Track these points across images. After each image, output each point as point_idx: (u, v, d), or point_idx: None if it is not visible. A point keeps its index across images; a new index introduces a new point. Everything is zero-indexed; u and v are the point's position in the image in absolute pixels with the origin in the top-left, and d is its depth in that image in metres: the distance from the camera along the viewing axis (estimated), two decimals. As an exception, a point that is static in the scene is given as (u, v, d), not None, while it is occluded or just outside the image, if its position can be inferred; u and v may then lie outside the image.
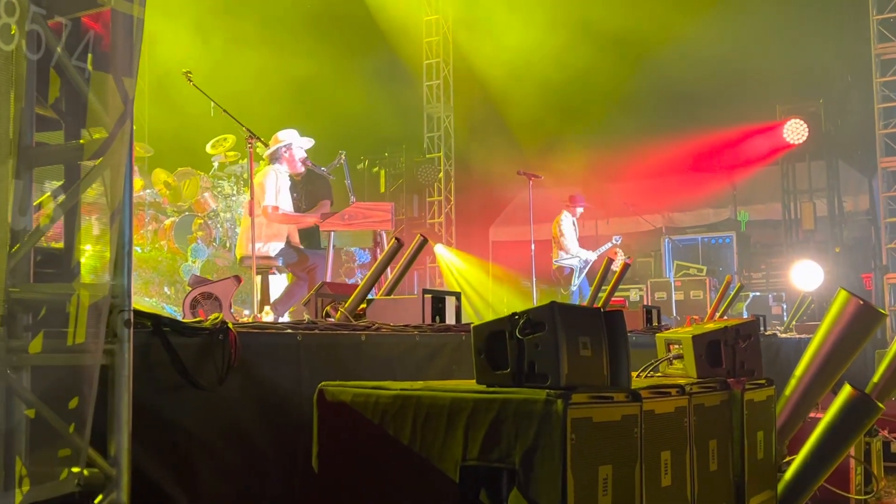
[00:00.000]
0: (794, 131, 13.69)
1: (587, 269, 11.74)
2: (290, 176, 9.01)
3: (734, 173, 15.04)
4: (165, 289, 11.54)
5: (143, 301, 10.89)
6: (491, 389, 2.65)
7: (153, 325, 2.83)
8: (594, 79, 14.55)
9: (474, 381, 2.77)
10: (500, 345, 2.67)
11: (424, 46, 16.41)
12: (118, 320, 2.14)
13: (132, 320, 2.18)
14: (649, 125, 14.81)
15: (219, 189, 12.89)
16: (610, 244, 12.02)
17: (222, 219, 12.40)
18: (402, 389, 2.78)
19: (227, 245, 11.99)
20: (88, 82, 1.94)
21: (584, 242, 12.11)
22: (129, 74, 2.01)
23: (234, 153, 12.50)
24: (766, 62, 14.13)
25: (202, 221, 11.72)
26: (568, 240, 11.77)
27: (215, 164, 12.96)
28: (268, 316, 6.31)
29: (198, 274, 10.03)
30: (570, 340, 2.59)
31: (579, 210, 12.09)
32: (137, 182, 12.59)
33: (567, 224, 11.87)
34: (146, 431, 2.83)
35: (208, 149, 12.30)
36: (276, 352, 3.34)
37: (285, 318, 6.99)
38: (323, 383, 2.99)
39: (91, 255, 2.17)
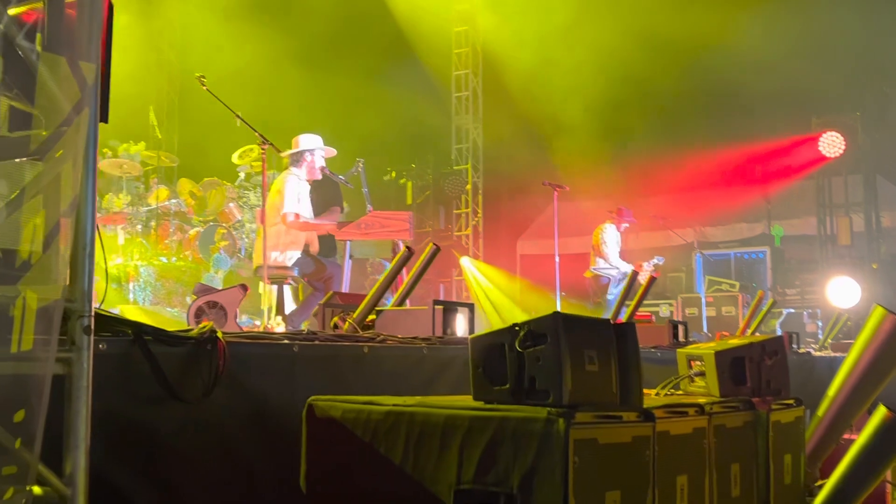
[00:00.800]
0: (831, 144, 13.35)
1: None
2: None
3: (768, 187, 14.70)
4: (188, 299, 11.46)
5: (165, 311, 10.82)
6: (488, 406, 2.45)
7: (134, 334, 2.66)
8: (625, 91, 14.33)
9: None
10: (499, 358, 2.47)
11: (454, 57, 16.27)
12: (76, 326, 1.97)
13: (92, 327, 2.00)
14: (682, 137, 14.56)
15: (244, 199, 12.86)
16: (654, 261, 12.03)
17: (248, 229, 12.35)
18: (394, 405, 2.58)
19: (252, 255, 11.92)
20: (37, 64, 1.78)
21: (623, 256, 12.06)
22: (87, 58, 1.84)
23: (261, 163, 12.43)
24: (801, 74, 13.81)
25: (225, 231, 11.66)
26: (609, 249, 11.71)
27: (241, 175, 12.92)
28: (279, 327, 6.14)
29: (206, 284, 9.88)
30: (574, 354, 2.39)
31: (624, 225, 12.06)
32: (162, 192, 12.58)
33: (610, 234, 11.80)
34: (126, 446, 2.67)
35: (234, 159, 12.27)
36: (269, 363, 3.17)
37: (301, 330, 6.83)
38: (312, 398, 2.81)
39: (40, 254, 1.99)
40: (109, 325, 2.62)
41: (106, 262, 3.09)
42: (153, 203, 12.35)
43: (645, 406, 2.66)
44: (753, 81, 13.88)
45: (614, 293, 11.53)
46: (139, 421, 2.71)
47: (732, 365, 3.48)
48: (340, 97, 15.45)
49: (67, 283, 1.97)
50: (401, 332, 4.28)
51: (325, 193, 9.00)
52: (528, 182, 14.77)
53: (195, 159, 15.09)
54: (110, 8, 2.62)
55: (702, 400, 3.13)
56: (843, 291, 12.52)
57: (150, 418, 2.73)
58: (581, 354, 2.42)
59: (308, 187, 7.63)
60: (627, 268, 11.68)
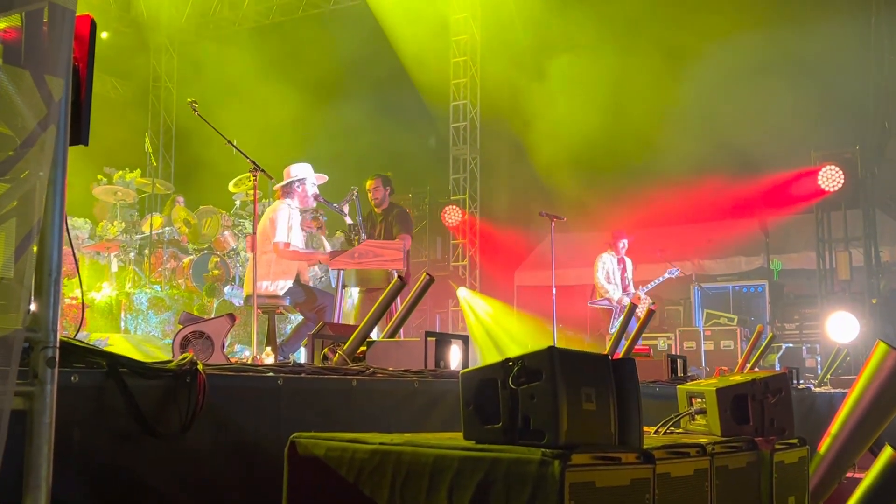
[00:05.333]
0: (829, 178, 13.26)
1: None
2: (372, 210, 8.89)
3: (767, 221, 14.61)
4: (181, 328, 11.31)
5: (158, 341, 10.68)
6: (479, 446, 2.31)
7: (108, 365, 2.54)
8: (624, 122, 14.30)
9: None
10: (491, 395, 2.34)
11: (452, 88, 16.24)
12: (40, 358, 1.84)
13: (57, 359, 1.88)
14: (680, 170, 14.49)
15: (240, 227, 12.78)
16: (667, 274, 12.16)
17: (243, 258, 12.24)
18: (380, 443, 2.45)
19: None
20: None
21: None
22: (54, 73, 1.73)
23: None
24: (800, 107, 13.78)
25: (218, 260, 11.54)
26: (600, 280, 11.68)
27: (237, 203, 12.85)
28: (269, 357, 6.01)
29: (192, 313, 9.75)
30: (570, 391, 2.26)
31: (623, 241, 12.08)
32: (156, 220, 12.47)
33: (603, 264, 11.81)
34: (98, 483, 2.54)
35: (230, 187, 12.19)
36: (253, 397, 3.04)
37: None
38: (294, 434, 2.68)
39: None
40: (82, 355, 2.50)
41: (82, 290, 2.97)
42: (147, 231, 12.25)
43: (644, 446, 2.53)
44: (753, 115, 13.83)
45: (615, 325, 11.47)
46: (113, 457, 2.58)
47: (734, 403, 3.35)
48: (338, 126, 15.42)
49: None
50: (392, 364, 4.15)
51: (392, 221, 8.97)
52: (526, 213, 14.71)
53: (191, 187, 15.04)
54: (93, 25, 2.52)
55: (703, 440, 3.00)
56: (842, 326, 12.39)
57: (124, 454, 2.60)
58: (578, 392, 2.29)
59: (300, 217, 7.55)
60: (617, 295, 11.61)
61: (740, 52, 13.69)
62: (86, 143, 2.41)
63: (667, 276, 12.30)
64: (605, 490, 2.26)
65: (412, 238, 9.24)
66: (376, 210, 9.17)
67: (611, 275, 11.87)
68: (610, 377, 2.41)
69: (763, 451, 3.20)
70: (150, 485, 2.64)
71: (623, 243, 12.11)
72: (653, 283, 12.13)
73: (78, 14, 2.48)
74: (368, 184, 9.27)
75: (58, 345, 1.89)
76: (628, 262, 12.18)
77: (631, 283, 12.10)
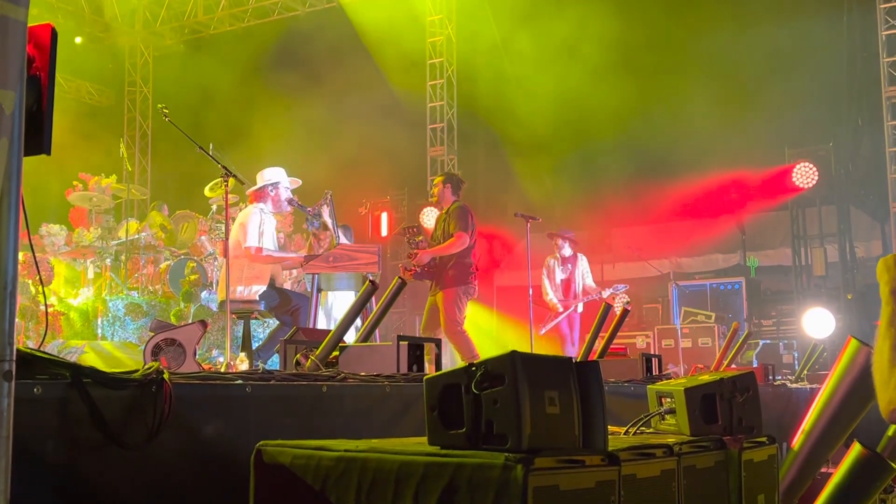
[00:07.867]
0: (804, 175, 13.37)
1: (567, 314, 11.35)
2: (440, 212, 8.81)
3: (743, 218, 14.70)
4: (157, 334, 11.23)
5: (130, 350, 10.59)
6: (444, 452, 2.31)
7: (71, 376, 2.52)
8: (600, 122, 14.36)
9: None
10: (455, 400, 2.34)
11: (428, 89, 16.26)
12: (-4, 372, 1.83)
13: (14, 372, 1.86)
14: (655, 169, 14.57)
15: (216, 232, 12.73)
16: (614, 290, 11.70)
17: (220, 263, 12.19)
18: (345, 451, 2.45)
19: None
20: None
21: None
22: (5, 86, 1.72)
23: (233, 196, 12.33)
24: (774, 105, 13.88)
25: (195, 265, 11.50)
26: (544, 285, 11.49)
27: (213, 208, 12.81)
28: (242, 364, 5.99)
29: (163, 320, 9.67)
30: (533, 395, 2.26)
31: (565, 244, 11.40)
32: (132, 225, 12.42)
33: (547, 269, 11.55)
34: (66, 495, 2.53)
35: (206, 192, 12.16)
36: (220, 405, 3.02)
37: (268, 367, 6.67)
38: (261, 443, 2.67)
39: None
40: (45, 367, 2.48)
41: (45, 300, 2.95)
42: (123, 236, 12.19)
43: (611, 448, 2.54)
44: (728, 113, 13.92)
45: (545, 328, 11.38)
46: (78, 468, 2.56)
47: (703, 402, 3.37)
48: (313, 130, 15.41)
49: None
50: (365, 369, 4.14)
51: (451, 221, 8.75)
52: (504, 214, 14.73)
53: (168, 192, 15.00)
54: (53, 34, 2.51)
55: (671, 440, 3.01)
56: (818, 322, 12.49)
57: (89, 465, 2.58)
58: (541, 396, 2.29)
59: (274, 221, 7.53)
60: (550, 300, 11.42)
61: (713, 49, 13.78)
62: (48, 153, 2.40)
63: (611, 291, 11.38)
64: (570, 493, 2.27)
65: (469, 234, 8.72)
66: (441, 212, 9.11)
67: (551, 278, 11.49)
68: (573, 380, 2.42)
69: (731, 450, 3.21)
70: (116, 495, 2.62)
71: (560, 243, 11.42)
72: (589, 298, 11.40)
73: (41, 23, 2.48)
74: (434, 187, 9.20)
75: (14, 358, 1.88)
76: (582, 261, 11.51)
77: (579, 285, 11.43)
